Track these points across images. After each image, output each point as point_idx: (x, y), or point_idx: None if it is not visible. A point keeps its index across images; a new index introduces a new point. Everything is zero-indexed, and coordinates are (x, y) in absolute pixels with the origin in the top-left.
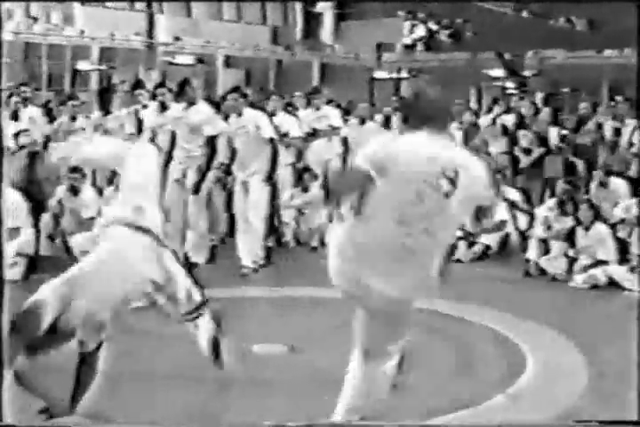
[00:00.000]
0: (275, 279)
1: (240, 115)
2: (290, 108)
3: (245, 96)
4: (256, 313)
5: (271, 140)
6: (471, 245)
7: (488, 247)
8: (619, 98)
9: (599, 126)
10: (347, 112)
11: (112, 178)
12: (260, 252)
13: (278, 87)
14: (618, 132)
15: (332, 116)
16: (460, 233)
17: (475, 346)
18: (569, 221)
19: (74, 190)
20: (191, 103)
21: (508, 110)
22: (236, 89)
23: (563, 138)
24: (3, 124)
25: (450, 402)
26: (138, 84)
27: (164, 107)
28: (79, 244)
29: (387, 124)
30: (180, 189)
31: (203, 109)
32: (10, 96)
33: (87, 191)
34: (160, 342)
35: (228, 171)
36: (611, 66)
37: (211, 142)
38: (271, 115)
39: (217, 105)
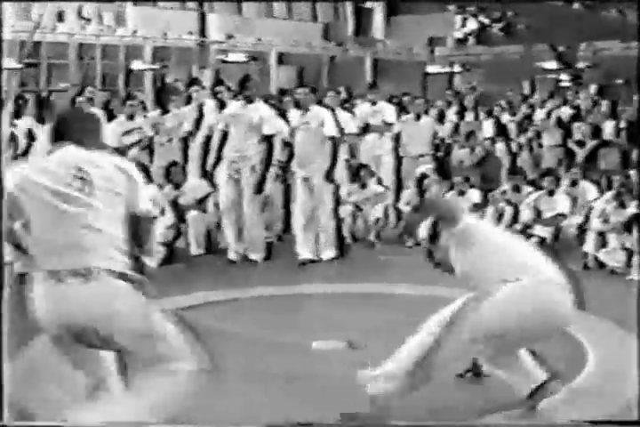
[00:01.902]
0: (331, 275)
1: (307, 110)
2: (347, 104)
3: (315, 91)
4: (314, 310)
5: (332, 137)
6: (528, 237)
7: (543, 240)
8: None
9: None
10: (401, 108)
11: (168, 174)
12: (334, 244)
13: (332, 83)
14: None
15: (387, 111)
16: (518, 226)
17: None
18: (626, 214)
19: None
20: (249, 101)
21: (563, 103)
22: (304, 85)
23: (619, 130)
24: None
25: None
26: (193, 83)
27: (222, 105)
28: None
29: (440, 118)
30: (235, 187)
31: (261, 107)
32: (77, 95)
33: (150, 188)
34: (220, 339)
35: (285, 168)
36: None
37: (266, 141)
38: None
39: (272, 103)
